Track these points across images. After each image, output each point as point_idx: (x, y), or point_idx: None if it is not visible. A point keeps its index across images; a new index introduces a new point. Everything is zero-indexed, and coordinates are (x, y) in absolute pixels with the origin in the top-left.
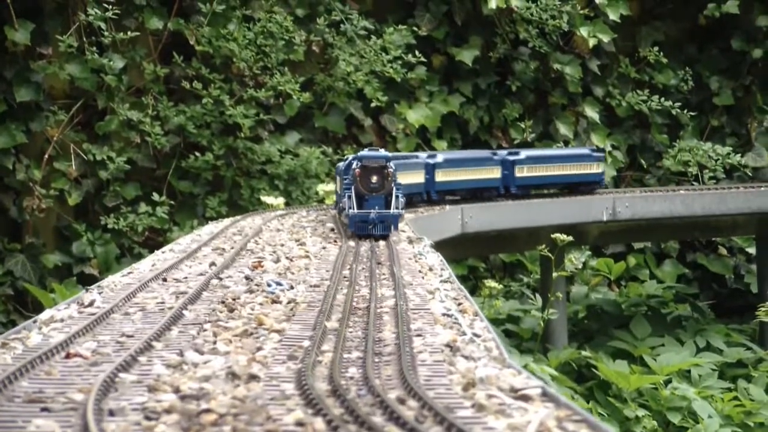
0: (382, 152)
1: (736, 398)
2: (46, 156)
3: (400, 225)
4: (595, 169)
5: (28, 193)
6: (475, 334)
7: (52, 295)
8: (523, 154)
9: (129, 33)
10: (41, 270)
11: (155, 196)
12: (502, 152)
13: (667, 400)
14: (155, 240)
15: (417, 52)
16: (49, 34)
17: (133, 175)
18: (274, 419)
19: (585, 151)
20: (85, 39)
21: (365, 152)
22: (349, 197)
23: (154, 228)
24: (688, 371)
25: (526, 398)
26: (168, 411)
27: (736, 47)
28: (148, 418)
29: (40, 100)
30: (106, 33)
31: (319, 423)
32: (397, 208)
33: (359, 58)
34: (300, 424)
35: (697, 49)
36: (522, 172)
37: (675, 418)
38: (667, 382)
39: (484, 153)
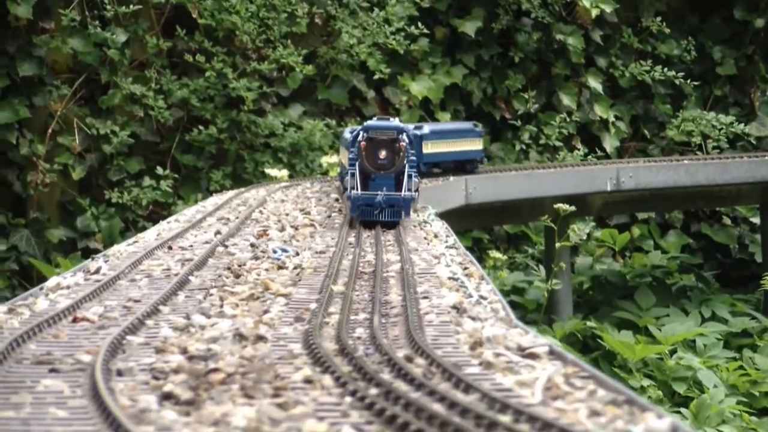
0: (394, 122)
1: (741, 368)
2: (50, 130)
3: None
4: (477, 145)
5: (31, 167)
6: (482, 297)
7: (57, 270)
8: (427, 128)
9: (131, 6)
10: (46, 245)
11: (159, 170)
12: (409, 126)
13: (673, 370)
14: (160, 214)
15: (419, 24)
16: (51, 8)
17: (137, 149)
18: (282, 377)
19: (468, 125)
20: (87, 13)
21: (373, 122)
22: (353, 175)
23: (159, 202)
24: (693, 341)
25: (533, 356)
26: (176, 371)
27: (738, 17)
28: (156, 378)
29: (43, 75)
30: (108, 6)
31: (327, 380)
32: (409, 189)
33: (362, 30)
34: (308, 381)
35: (700, 18)
36: (428, 148)
37: (680, 388)
38: (672, 352)
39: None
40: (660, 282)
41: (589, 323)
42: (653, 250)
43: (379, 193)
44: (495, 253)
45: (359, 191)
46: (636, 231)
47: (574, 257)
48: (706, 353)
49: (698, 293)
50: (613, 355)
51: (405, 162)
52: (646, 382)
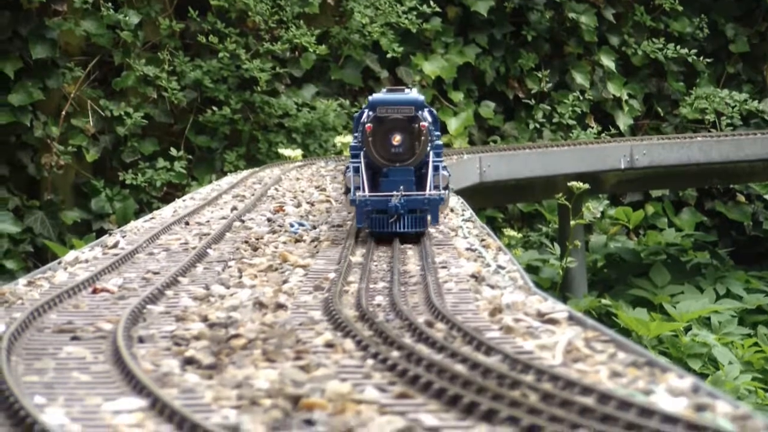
0: (411, 93)
1: (756, 344)
2: (64, 113)
3: None
4: None
5: (45, 150)
6: (500, 266)
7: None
8: None
9: None
10: (60, 227)
11: (173, 152)
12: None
13: (688, 347)
14: (174, 195)
15: (431, 3)
16: None
17: (151, 130)
18: (303, 342)
19: None
20: None
21: (381, 95)
22: (357, 171)
23: (173, 183)
24: (708, 318)
25: (553, 321)
26: (197, 338)
27: None
28: (177, 344)
29: (56, 57)
30: None
31: (348, 344)
32: (436, 187)
33: (374, 10)
34: (330, 345)
35: None
36: None
37: (695, 365)
38: (687, 329)
39: None
40: (674, 259)
41: (603, 301)
42: (667, 228)
43: (395, 193)
44: (509, 232)
45: (366, 193)
46: (650, 209)
47: (588, 235)
48: (721, 330)
49: (713, 270)
50: (627, 333)
51: (428, 149)
52: (661, 360)
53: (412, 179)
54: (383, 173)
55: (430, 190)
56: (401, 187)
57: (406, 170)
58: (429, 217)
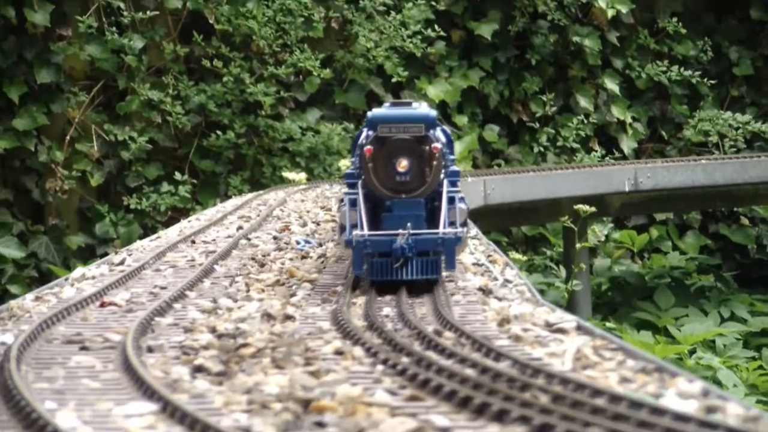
0: (419, 107)
1: (760, 367)
2: (68, 137)
3: None
4: None
5: (50, 174)
6: (507, 280)
7: None
8: None
9: (148, 13)
10: (65, 251)
11: (177, 176)
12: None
13: (693, 370)
14: (178, 219)
15: (436, 27)
16: (68, 15)
17: (155, 154)
18: (312, 350)
19: None
20: (104, 19)
21: (383, 110)
22: (353, 204)
23: (177, 207)
24: (713, 341)
25: (561, 331)
26: (206, 347)
27: (754, 17)
28: (186, 354)
29: (61, 82)
30: (125, 13)
31: (358, 351)
32: (452, 223)
33: (378, 34)
34: (339, 352)
35: (716, 19)
36: None
37: None
38: (692, 351)
39: None
40: (679, 283)
41: (608, 324)
42: (671, 251)
43: (401, 232)
44: (514, 255)
45: (365, 231)
46: (654, 232)
47: (592, 258)
48: (726, 353)
49: (717, 293)
50: None
51: (442, 176)
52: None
53: (421, 214)
54: (386, 207)
55: (444, 227)
56: (408, 224)
57: (415, 203)
58: (443, 261)
